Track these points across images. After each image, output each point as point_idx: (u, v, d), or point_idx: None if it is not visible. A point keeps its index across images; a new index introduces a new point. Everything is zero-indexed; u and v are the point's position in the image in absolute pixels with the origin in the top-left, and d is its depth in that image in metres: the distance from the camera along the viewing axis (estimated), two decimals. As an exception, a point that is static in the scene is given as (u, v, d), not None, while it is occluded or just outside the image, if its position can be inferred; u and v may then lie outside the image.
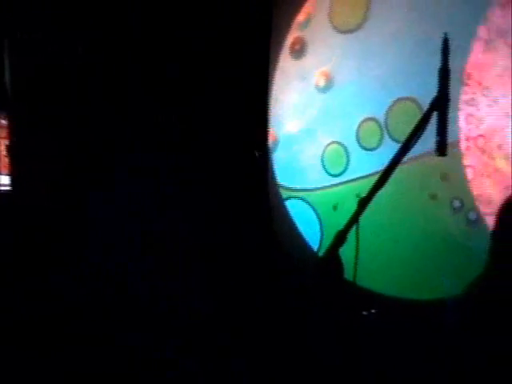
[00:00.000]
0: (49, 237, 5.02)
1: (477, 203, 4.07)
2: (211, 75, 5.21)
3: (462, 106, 4.09)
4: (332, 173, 4.99)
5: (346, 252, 2.59)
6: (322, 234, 4.98)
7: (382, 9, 4.68)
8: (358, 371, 3.57)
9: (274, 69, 5.32)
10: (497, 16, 4.01)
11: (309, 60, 5.16)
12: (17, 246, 4.92)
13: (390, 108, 4.57)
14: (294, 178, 5.25)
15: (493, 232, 2.76)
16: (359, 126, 4.80)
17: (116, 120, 5.15)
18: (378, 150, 4.67)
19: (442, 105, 2.54)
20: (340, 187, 4.92)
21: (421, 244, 4.33)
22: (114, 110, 5.15)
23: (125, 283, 5.05)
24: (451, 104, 2.60)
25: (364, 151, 4.78)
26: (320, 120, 5.08)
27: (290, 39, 5.26)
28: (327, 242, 2.61)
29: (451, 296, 3.28)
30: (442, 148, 2.56)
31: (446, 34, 2.58)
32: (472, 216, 4.14)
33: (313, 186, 5.12)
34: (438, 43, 2.62)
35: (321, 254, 3.24)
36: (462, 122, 4.11)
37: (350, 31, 4.87)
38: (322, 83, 5.06)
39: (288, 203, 5.26)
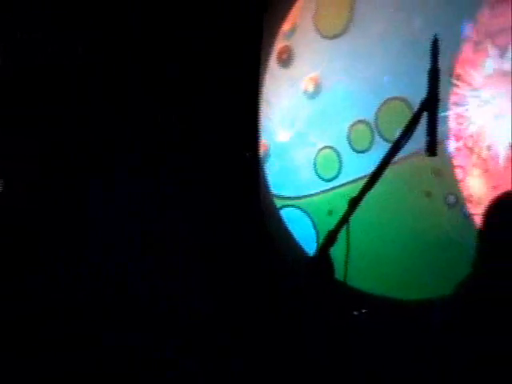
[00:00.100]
0: (49, 236, 5.04)
1: (467, 203, 4.08)
2: (211, 75, 5.20)
3: (451, 106, 4.10)
4: (325, 178, 4.99)
5: (337, 252, 2.58)
6: (318, 241, 4.96)
7: (367, 11, 4.70)
8: (348, 371, 3.57)
9: (263, 78, 5.32)
10: (485, 17, 4.02)
11: (297, 68, 5.17)
12: (16, 245, 4.93)
13: (380, 109, 4.57)
14: (288, 187, 5.23)
15: (480, 231, 2.76)
16: (350, 129, 4.80)
17: (116, 120, 5.15)
18: (370, 151, 4.67)
19: (431, 105, 2.54)
20: (334, 192, 4.92)
21: (416, 243, 4.33)
22: (113, 109, 5.15)
23: (125, 283, 5.05)
24: (441, 104, 2.59)
25: (356, 154, 4.79)
26: (310, 126, 5.08)
27: (276, 49, 5.27)
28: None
29: (440, 296, 3.27)
30: (431, 148, 2.56)
31: (435, 34, 2.57)
32: (467, 210, 4.15)
33: (307, 193, 5.10)
34: (426, 43, 2.63)
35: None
36: (451, 123, 4.11)
37: (336, 36, 4.89)
38: (310, 89, 5.06)
39: (283, 212, 5.23)
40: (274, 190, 5.29)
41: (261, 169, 5.29)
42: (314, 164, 5.04)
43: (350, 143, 4.81)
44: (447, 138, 4.12)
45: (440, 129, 2.60)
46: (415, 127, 2.53)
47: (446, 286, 2.76)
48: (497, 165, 3.93)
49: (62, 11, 5.02)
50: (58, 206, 5.07)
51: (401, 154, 2.63)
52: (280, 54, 5.24)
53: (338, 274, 2.62)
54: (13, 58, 5.02)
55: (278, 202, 5.26)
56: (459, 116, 4.08)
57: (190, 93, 5.21)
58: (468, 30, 4.11)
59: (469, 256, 2.74)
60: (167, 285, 5.09)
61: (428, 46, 2.58)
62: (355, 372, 3.73)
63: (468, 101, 4.08)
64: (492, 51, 3.99)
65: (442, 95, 2.59)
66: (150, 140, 5.20)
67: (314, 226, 5.01)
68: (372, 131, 4.63)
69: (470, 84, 4.07)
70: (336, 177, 4.92)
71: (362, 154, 4.72)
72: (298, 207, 5.14)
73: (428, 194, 4.33)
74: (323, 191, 4.98)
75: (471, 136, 4.04)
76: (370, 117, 4.66)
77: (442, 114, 3.77)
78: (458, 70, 4.10)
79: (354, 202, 2.57)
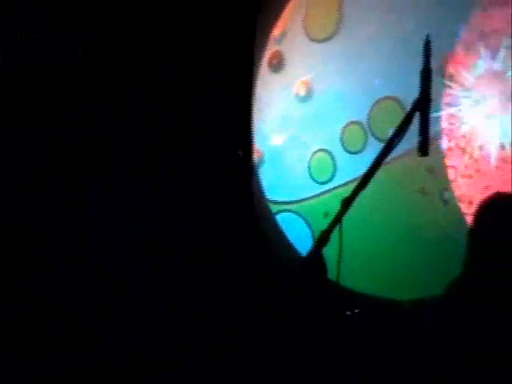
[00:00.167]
0: (49, 236, 5.04)
1: (459, 203, 4.08)
2: (211, 75, 5.20)
3: (443, 106, 4.10)
4: (320, 181, 4.98)
5: (329, 252, 2.58)
6: (314, 244, 4.94)
7: (356, 13, 4.72)
8: (341, 371, 3.56)
9: (254, 85, 5.32)
10: (477, 19, 4.02)
11: (288, 72, 5.17)
12: (16, 245, 4.93)
13: (372, 109, 4.57)
14: (283, 192, 5.22)
15: (470, 231, 2.76)
16: (343, 131, 4.80)
17: (116, 120, 5.15)
18: (364, 152, 4.67)
19: (424, 105, 2.54)
20: (329, 194, 4.92)
21: (412, 241, 4.33)
22: (114, 109, 5.15)
23: (125, 283, 5.05)
24: (433, 105, 2.59)
25: (350, 155, 4.78)
26: (303, 130, 5.09)
27: (267, 54, 5.27)
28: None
29: (431, 295, 3.27)
30: (423, 148, 2.55)
31: (427, 35, 2.57)
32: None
33: (302, 197, 5.10)
34: (417, 43, 2.63)
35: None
36: (444, 123, 4.11)
37: (327, 39, 4.90)
38: (302, 92, 5.06)
39: (279, 217, 5.23)
40: (269, 195, 5.28)
41: (255, 173, 5.28)
42: (309, 167, 5.04)
43: (343, 145, 4.81)
44: (440, 136, 4.13)
45: (432, 128, 2.60)
46: (408, 127, 2.53)
47: (442, 283, 2.76)
48: (488, 165, 3.94)
49: (62, 11, 5.02)
50: (58, 205, 5.07)
51: (393, 154, 2.63)
52: (271, 59, 5.25)
53: (331, 274, 2.62)
54: (13, 58, 5.02)
55: (274, 208, 5.25)
56: (451, 116, 4.09)
57: (190, 93, 5.21)
58: (460, 31, 4.11)
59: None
60: (167, 285, 5.09)
61: (420, 46, 2.58)
62: (348, 372, 3.73)
63: (460, 101, 4.08)
64: (484, 52, 3.99)
65: (434, 95, 2.58)
66: (150, 140, 5.20)
67: (311, 230, 5.00)
68: (365, 132, 4.63)
69: (462, 84, 4.08)
70: (331, 179, 4.92)
71: (355, 155, 4.72)
72: (294, 212, 5.13)
73: (423, 191, 4.33)
74: (318, 194, 4.98)
75: (463, 136, 4.05)
76: (362, 117, 4.66)
77: (435, 115, 3.77)
78: (450, 70, 4.11)
79: (347, 202, 2.57)
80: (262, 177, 5.31)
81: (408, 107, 2.60)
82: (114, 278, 5.06)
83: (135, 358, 4.75)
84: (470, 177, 4.03)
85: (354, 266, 3.87)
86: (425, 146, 2.55)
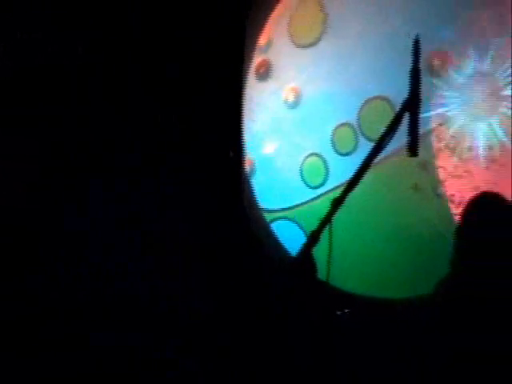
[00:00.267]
0: (49, 236, 5.05)
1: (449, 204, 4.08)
2: (211, 75, 5.19)
3: (434, 107, 4.08)
4: (313, 185, 4.98)
5: (319, 252, 2.57)
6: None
7: (340, 9, 4.72)
8: (331, 370, 3.56)
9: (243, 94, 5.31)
10: (467, 20, 4.01)
11: (276, 80, 5.18)
12: (16, 245, 4.94)
13: (362, 109, 4.55)
14: (276, 199, 5.22)
15: (458, 229, 2.76)
16: (333, 133, 4.79)
17: (116, 120, 5.15)
18: (355, 153, 4.67)
19: (413, 105, 2.53)
20: (323, 198, 4.89)
21: (402, 241, 4.33)
22: (114, 109, 5.15)
23: (125, 283, 5.05)
24: (422, 105, 2.58)
25: (341, 157, 4.77)
26: (294, 135, 5.09)
27: (254, 63, 5.26)
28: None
29: (420, 295, 3.27)
30: (413, 148, 2.54)
31: (417, 35, 2.56)
32: None
33: (296, 203, 5.10)
34: (406, 43, 2.62)
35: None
36: (433, 123, 4.10)
37: (312, 44, 4.91)
38: (291, 98, 5.06)
39: (273, 225, 5.21)
40: (263, 204, 5.26)
41: (247, 181, 5.27)
42: (301, 173, 5.03)
43: (334, 147, 4.81)
44: (430, 133, 4.11)
45: (422, 128, 2.59)
46: (397, 128, 2.52)
47: (432, 282, 2.76)
48: (477, 165, 3.93)
49: (62, 11, 5.03)
50: (57, 206, 5.07)
51: (383, 153, 2.62)
52: (258, 68, 5.25)
53: (321, 274, 2.62)
54: (13, 58, 5.02)
55: (268, 216, 5.23)
56: (440, 117, 4.08)
57: (190, 92, 5.20)
58: (449, 31, 4.10)
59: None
60: (167, 285, 5.08)
61: (407, 45, 2.58)
62: (339, 371, 3.72)
63: (449, 102, 4.07)
64: (473, 53, 3.99)
65: (423, 96, 2.57)
66: (150, 140, 5.19)
67: (305, 235, 4.96)
68: (355, 133, 4.62)
69: (451, 85, 4.06)
70: (323, 183, 4.91)
71: (347, 157, 4.70)
72: (288, 218, 5.12)
73: (416, 187, 4.32)
74: (312, 199, 4.97)
75: (453, 137, 4.04)
76: (352, 119, 4.65)
77: (424, 115, 3.76)
78: (439, 71, 4.10)
79: (337, 203, 2.56)
80: (254, 186, 5.29)
81: (398, 106, 2.59)
82: (114, 278, 5.06)
83: (135, 357, 4.75)
84: (460, 177, 4.03)
85: (343, 266, 3.87)
86: (414, 146, 2.54)
